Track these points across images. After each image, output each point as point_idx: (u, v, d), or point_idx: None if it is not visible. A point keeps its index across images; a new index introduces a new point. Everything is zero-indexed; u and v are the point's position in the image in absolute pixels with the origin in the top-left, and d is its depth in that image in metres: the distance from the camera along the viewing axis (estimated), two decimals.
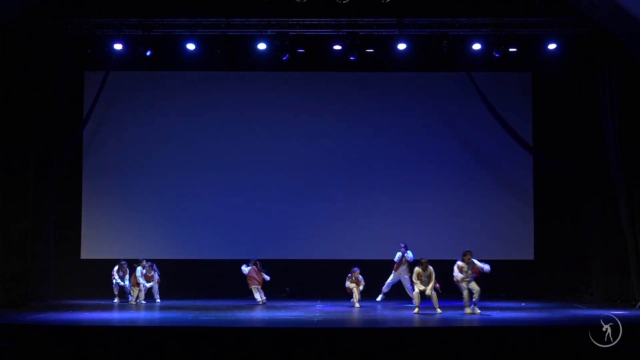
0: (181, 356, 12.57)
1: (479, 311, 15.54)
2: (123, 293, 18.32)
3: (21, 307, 16.55)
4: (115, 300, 18.19)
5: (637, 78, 17.14)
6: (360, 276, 17.32)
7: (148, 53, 18.01)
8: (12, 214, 17.13)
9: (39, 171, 18.03)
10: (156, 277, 18.29)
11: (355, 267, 17.42)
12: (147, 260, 18.33)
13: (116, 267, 18.37)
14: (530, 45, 18.33)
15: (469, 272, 15.65)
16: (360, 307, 17.02)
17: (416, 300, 15.98)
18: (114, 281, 18.29)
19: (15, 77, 17.29)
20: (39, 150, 17.97)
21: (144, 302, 18.04)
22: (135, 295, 18.10)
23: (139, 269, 18.12)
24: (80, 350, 12.67)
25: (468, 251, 15.80)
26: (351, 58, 18.08)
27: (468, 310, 15.65)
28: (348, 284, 17.33)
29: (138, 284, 18.09)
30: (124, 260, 18.48)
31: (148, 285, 18.17)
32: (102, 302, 17.97)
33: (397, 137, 20.20)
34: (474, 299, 15.65)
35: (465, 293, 15.71)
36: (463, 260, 15.69)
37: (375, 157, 20.20)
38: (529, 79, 20.18)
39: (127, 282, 18.20)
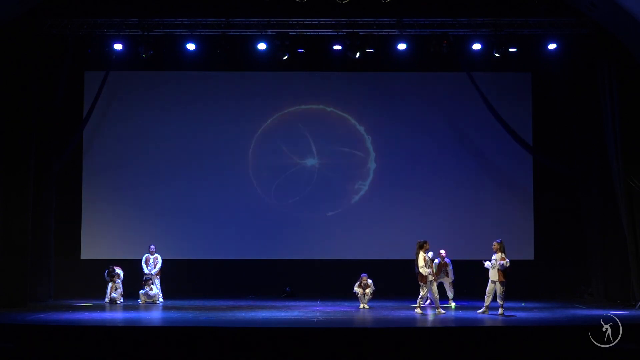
0: (181, 356, 12.57)
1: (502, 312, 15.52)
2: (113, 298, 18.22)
3: (21, 307, 16.55)
4: (106, 300, 18.11)
5: (637, 78, 17.15)
6: (369, 280, 17.27)
7: (144, 56, 17.98)
8: (12, 213, 17.14)
9: (39, 171, 18.04)
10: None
11: (363, 273, 17.35)
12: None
13: (112, 276, 18.25)
14: (530, 45, 18.34)
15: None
16: (369, 307, 16.99)
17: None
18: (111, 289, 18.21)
19: (16, 77, 17.31)
20: (39, 150, 17.98)
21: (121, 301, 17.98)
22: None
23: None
24: (80, 350, 12.67)
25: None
26: (356, 57, 18.01)
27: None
28: (356, 289, 17.30)
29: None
30: (112, 266, 18.38)
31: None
32: (102, 302, 17.95)
33: (397, 136, 20.22)
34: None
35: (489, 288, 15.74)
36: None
37: (374, 156, 20.21)
38: (529, 79, 20.19)
39: (120, 288, 18.13)
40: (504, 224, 19.79)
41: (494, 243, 15.65)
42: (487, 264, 15.73)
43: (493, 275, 15.56)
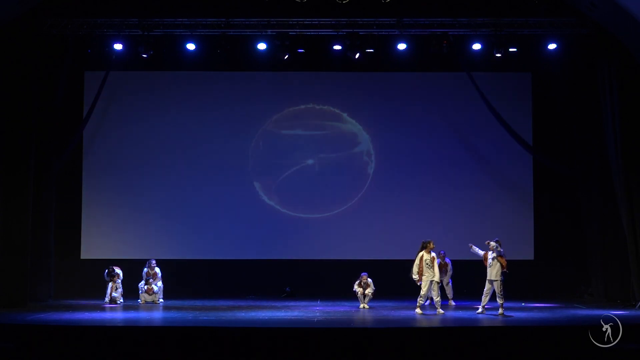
0: (181, 356, 12.56)
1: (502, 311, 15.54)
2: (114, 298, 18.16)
3: (21, 307, 16.55)
4: (107, 300, 18.10)
5: (637, 78, 17.14)
6: (369, 280, 17.27)
7: (144, 55, 17.99)
8: (12, 213, 17.12)
9: (39, 171, 18.04)
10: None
11: (363, 272, 17.36)
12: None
13: (112, 276, 18.18)
14: (530, 45, 18.33)
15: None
16: (369, 307, 16.98)
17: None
18: (111, 288, 18.15)
19: (16, 77, 17.30)
20: (39, 150, 17.98)
21: (120, 301, 17.95)
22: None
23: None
24: (80, 350, 12.66)
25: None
26: (356, 57, 17.98)
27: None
28: (356, 287, 17.31)
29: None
30: (112, 266, 18.31)
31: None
32: (102, 302, 17.94)
33: (396, 136, 20.22)
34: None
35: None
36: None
37: (374, 156, 20.23)
38: (529, 79, 20.20)
39: (120, 288, 18.12)
40: (504, 224, 19.77)
41: (491, 242, 15.65)
42: (474, 248, 15.75)
43: (490, 274, 15.56)
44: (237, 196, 20.16)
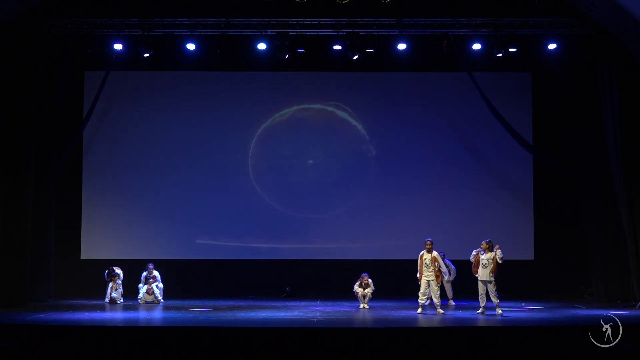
0: (181, 356, 12.57)
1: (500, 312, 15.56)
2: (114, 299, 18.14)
3: (21, 307, 16.54)
4: (106, 300, 18.09)
5: (637, 78, 17.14)
6: (369, 280, 17.28)
7: (145, 55, 18.00)
8: (12, 214, 17.12)
9: (39, 171, 18.03)
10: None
11: (364, 273, 17.35)
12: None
13: (112, 276, 18.16)
14: (530, 45, 18.34)
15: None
16: (369, 307, 16.98)
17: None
18: (114, 289, 18.15)
19: (16, 77, 17.29)
20: (39, 150, 17.98)
21: (120, 301, 17.97)
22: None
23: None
24: (80, 350, 12.67)
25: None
26: (354, 57, 18.00)
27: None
28: (356, 288, 17.30)
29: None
30: (112, 266, 18.32)
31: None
32: (102, 302, 17.95)
33: (396, 136, 20.22)
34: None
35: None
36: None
37: (374, 157, 20.23)
38: (529, 79, 20.20)
39: (120, 288, 18.12)
40: (504, 224, 19.78)
41: (483, 242, 15.64)
42: (472, 256, 15.72)
43: (483, 275, 15.55)
44: (237, 196, 20.15)
